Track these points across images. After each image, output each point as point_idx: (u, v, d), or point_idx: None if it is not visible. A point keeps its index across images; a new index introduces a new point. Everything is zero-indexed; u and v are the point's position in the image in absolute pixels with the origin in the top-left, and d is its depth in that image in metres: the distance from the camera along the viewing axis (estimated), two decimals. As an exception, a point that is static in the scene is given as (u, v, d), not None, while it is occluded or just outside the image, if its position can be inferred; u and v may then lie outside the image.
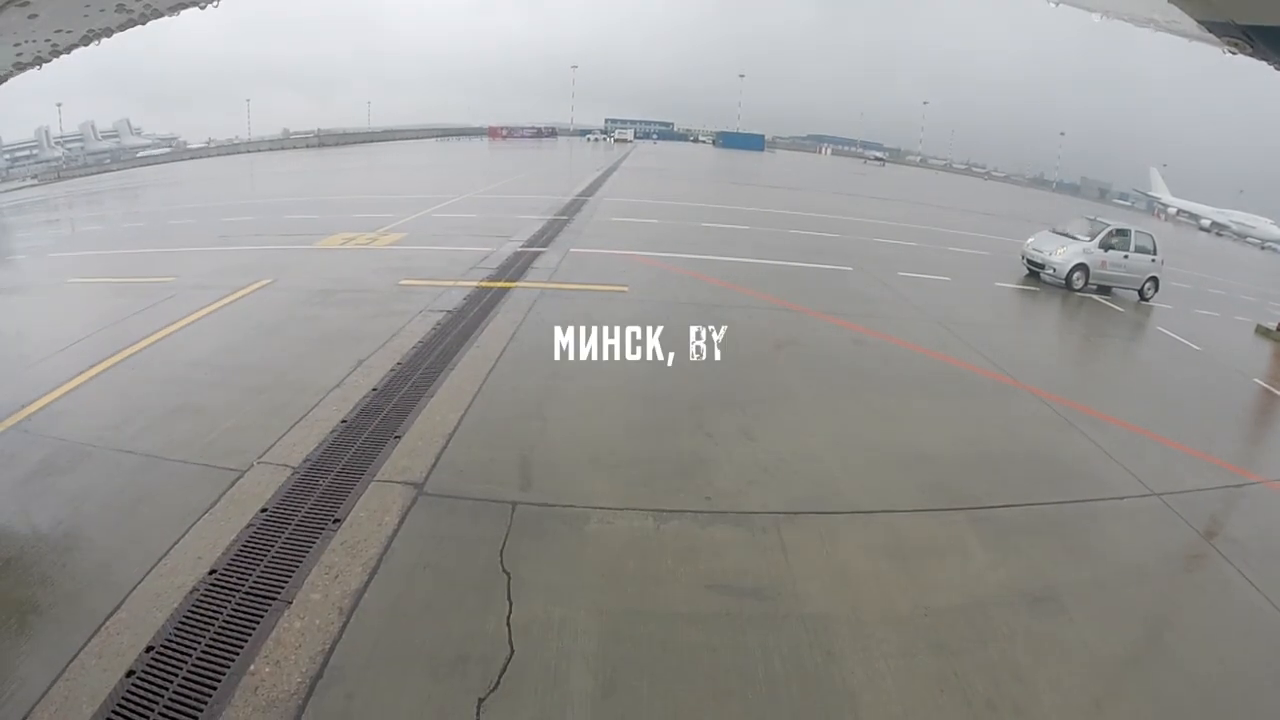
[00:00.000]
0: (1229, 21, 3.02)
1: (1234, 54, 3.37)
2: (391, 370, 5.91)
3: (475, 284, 8.86)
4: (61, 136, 53.14)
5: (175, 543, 3.61)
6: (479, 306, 7.80)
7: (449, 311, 7.59)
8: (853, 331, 7.77)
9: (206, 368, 6.03)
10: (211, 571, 3.43)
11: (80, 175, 38.90)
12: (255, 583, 3.37)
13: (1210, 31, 3.21)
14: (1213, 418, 7.18)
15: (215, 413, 5.14)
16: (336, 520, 3.89)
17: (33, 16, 3.17)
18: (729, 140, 69.87)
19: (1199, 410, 7.39)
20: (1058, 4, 4.48)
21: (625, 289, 8.82)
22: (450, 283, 8.91)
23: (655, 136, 73.74)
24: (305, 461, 4.49)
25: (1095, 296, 12.60)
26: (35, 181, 36.03)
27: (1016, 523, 4.36)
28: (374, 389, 5.56)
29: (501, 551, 3.56)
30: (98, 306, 8.21)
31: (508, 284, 8.90)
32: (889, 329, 8.01)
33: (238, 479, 4.24)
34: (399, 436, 4.78)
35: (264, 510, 3.96)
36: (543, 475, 4.25)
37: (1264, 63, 3.38)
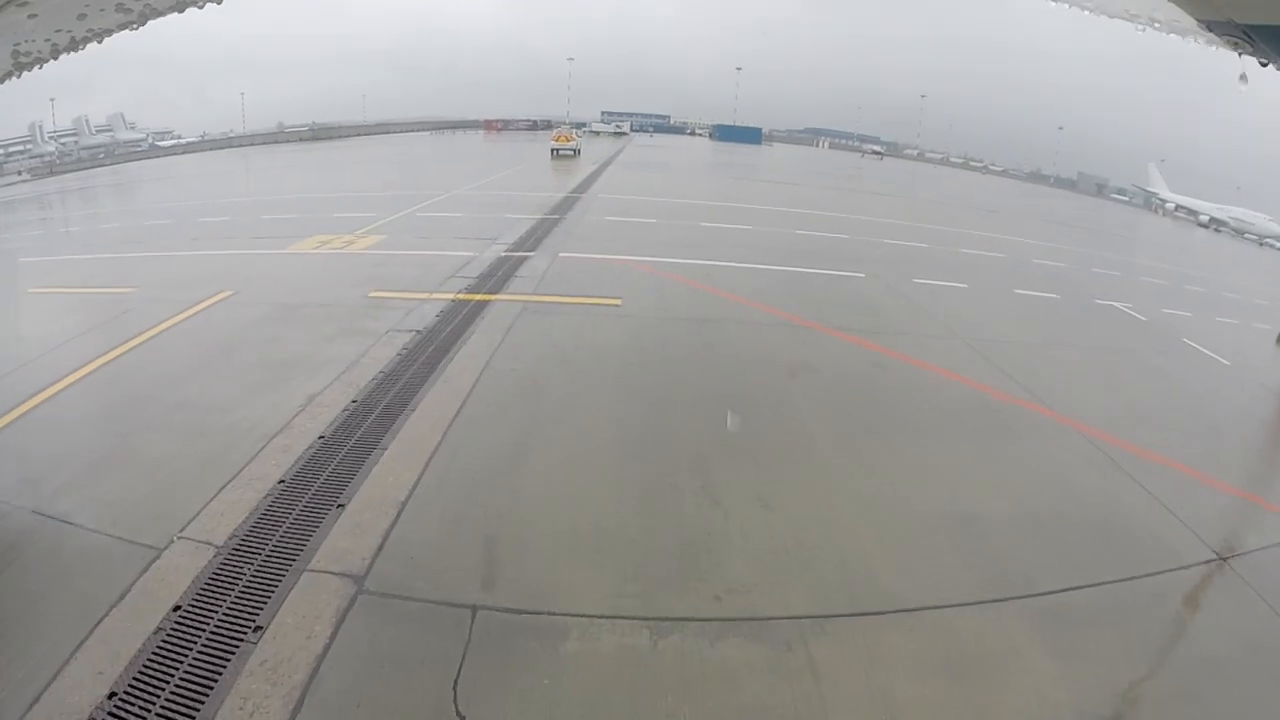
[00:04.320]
0: (1229, 21, 2.97)
1: (1236, 54, 3.33)
2: (345, 410, 5.10)
3: (452, 296, 8.02)
4: (55, 131, 52.76)
5: (76, 649, 2.92)
6: (452, 326, 6.97)
7: (418, 332, 6.76)
8: (871, 352, 6.99)
9: (145, 404, 5.32)
10: (111, 695, 2.73)
11: (73, 170, 38.24)
12: (159, 715, 2.64)
13: (1210, 31, 3.14)
14: (1258, 451, 6.52)
15: (145, 465, 4.43)
16: (258, 628, 3.12)
17: (33, 16, 3.09)
18: (726, 133, 68.78)
19: (1243, 442, 6.70)
20: (1056, 3, 4.26)
21: (618, 302, 8.00)
22: (424, 295, 8.06)
23: (651, 130, 72.54)
24: (231, 538, 3.73)
25: (1117, 304, 11.90)
26: (28, 177, 35.29)
27: (1080, 613, 3.63)
28: (321, 436, 4.75)
29: (455, 684, 2.77)
30: (47, 324, 7.53)
31: (488, 296, 8.06)
32: (910, 348, 7.22)
33: (155, 559, 3.52)
34: (342, 505, 3.97)
35: (177, 608, 3.22)
36: (511, 565, 3.45)
37: (1265, 63, 3.32)
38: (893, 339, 7.47)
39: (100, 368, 6.06)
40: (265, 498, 4.09)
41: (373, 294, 8.11)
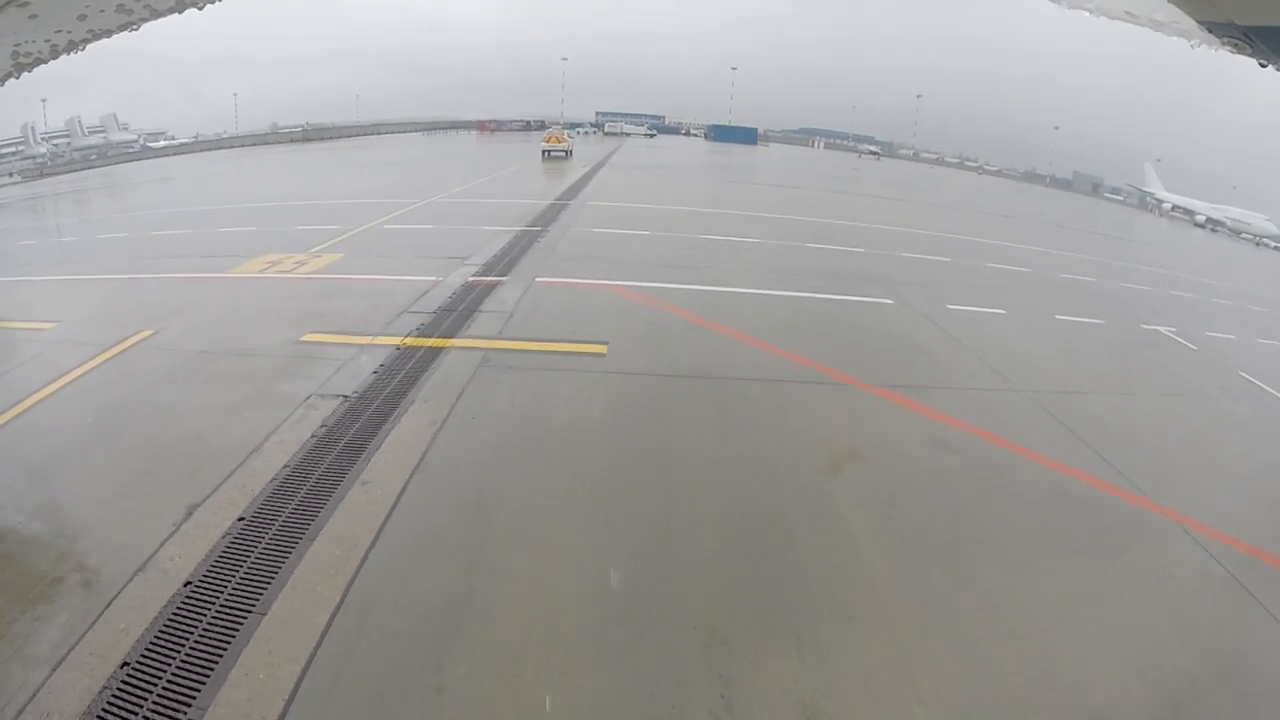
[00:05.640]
0: (1229, 22, 2.89)
1: (1235, 53, 3.28)
2: (226, 534, 3.73)
3: (399, 341, 6.64)
4: (47, 132, 53.00)
5: None
6: (391, 387, 5.57)
7: (346, 398, 5.36)
8: (926, 421, 5.60)
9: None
10: None
11: (64, 172, 37.79)
12: None
13: (1210, 32, 3.11)
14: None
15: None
16: None
17: (33, 17, 3.08)
18: (721, 133, 68.01)
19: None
20: (1055, 4, 4.09)
21: (603, 349, 6.63)
22: (367, 339, 6.68)
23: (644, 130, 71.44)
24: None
25: (1162, 329, 10.69)
26: (18, 179, 34.31)
27: None
28: (187, 582, 3.39)
29: None
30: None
31: (441, 341, 6.67)
32: (969, 412, 5.85)
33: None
34: (185, 724, 2.64)
35: None
36: None
37: (1265, 64, 3.26)
38: (946, 398, 6.10)
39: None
40: (101, 693, 2.79)
41: (306, 337, 6.72)
